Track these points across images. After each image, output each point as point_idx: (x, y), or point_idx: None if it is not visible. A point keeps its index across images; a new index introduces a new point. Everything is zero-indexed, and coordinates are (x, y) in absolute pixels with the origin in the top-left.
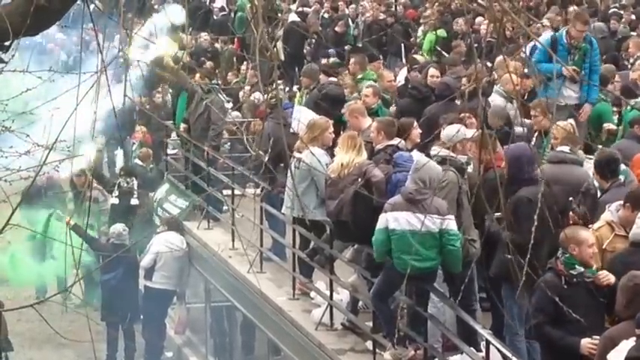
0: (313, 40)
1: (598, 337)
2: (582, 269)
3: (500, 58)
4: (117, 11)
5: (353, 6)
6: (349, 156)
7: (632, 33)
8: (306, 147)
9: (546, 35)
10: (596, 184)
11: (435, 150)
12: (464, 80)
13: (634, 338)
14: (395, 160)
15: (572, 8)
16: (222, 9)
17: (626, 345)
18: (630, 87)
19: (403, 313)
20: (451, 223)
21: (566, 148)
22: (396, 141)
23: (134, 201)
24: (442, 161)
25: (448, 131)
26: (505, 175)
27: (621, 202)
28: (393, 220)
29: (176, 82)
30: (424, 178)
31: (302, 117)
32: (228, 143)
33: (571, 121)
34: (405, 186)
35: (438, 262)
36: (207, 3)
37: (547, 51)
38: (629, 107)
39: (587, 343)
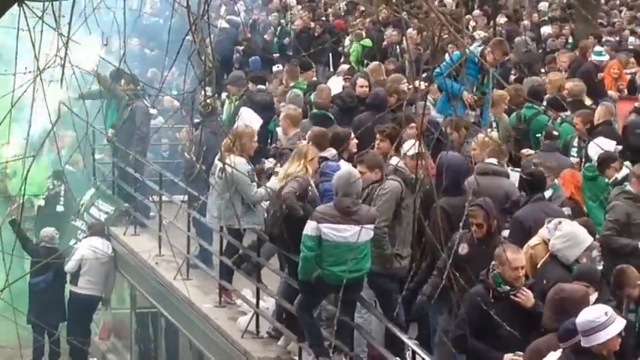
0: (241, 48)
1: (521, 352)
2: (507, 288)
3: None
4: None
5: (275, 14)
6: (294, 167)
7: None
8: (228, 156)
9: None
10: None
11: (394, 159)
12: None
13: (560, 350)
14: (322, 170)
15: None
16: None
17: (553, 357)
18: (558, 99)
19: (330, 323)
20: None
21: (494, 161)
22: (327, 152)
23: (60, 207)
24: (395, 171)
25: (406, 145)
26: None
27: (560, 219)
28: (328, 230)
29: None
30: (357, 190)
31: (245, 118)
32: (168, 151)
33: (494, 134)
34: (338, 197)
35: (366, 271)
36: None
37: (454, 66)
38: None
39: (509, 358)
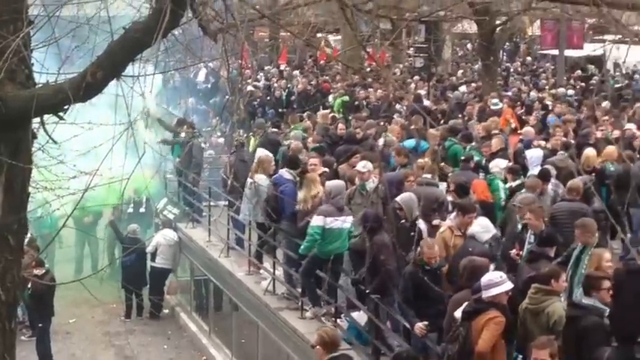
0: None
1: (426, 322)
2: (428, 267)
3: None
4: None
5: (284, 81)
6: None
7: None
8: (255, 174)
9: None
10: (449, 198)
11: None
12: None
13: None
14: (274, 181)
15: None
16: (205, 81)
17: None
18: (470, 134)
19: (323, 284)
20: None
21: (428, 176)
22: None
23: (142, 210)
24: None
25: (359, 164)
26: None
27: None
28: (331, 221)
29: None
30: (343, 195)
31: (260, 154)
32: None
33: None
34: (333, 199)
35: (347, 248)
36: (192, 76)
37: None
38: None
39: (418, 326)
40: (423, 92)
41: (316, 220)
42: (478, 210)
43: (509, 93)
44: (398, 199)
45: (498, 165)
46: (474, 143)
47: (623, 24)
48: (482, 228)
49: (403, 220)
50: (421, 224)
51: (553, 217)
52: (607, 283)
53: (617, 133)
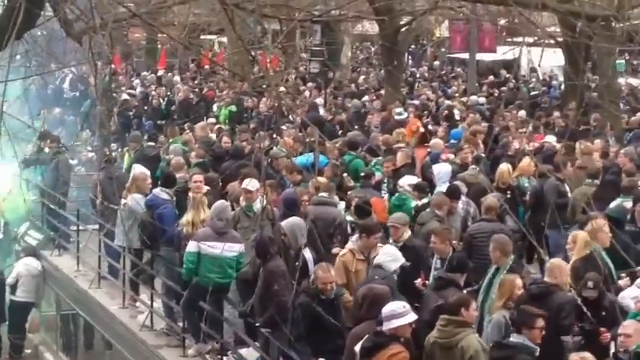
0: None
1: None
2: (324, 297)
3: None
4: None
5: (163, 88)
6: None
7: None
8: (129, 194)
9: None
10: (349, 218)
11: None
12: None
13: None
14: (149, 202)
15: None
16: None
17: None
18: (374, 147)
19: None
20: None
21: (325, 194)
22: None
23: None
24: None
25: (245, 182)
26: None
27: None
28: (206, 247)
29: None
30: (226, 216)
31: (135, 171)
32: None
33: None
34: (211, 221)
35: (233, 278)
36: (58, 83)
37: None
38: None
39: None
40: (319, 101)
41: (190, 246)
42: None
43: (416, 101)
44: (283, 223)
45: (408, 182)
46: (380, 158)
47: (536, 24)
48: (390, 256)
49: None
50: (307, 253)
51: (472, 238)
52: (541, 322)
53: (533, 145)
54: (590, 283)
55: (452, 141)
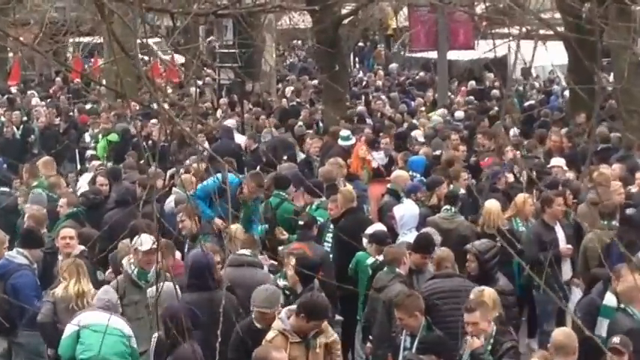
0: None
1: None
2: None
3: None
4: None
5: (17, 112)
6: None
7: None
8: None
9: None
10: (282, 283)
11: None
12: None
13: None
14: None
15: None
16: None
17: None
18: (320, 184)
19: None
20: None
21: (247, 252)
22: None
23: None
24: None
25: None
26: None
27: (290, 308)
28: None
29: None
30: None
31: None
32: None
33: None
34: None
35: None
36: None
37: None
38: None
39: None
40: (232, 123)
41: (68, 328)
42: None
43: (368, 120)
44: (187, 298)
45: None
46: (323, 198)
47: (529, 10)
48: None
49: None
50: None
51: (429, 302)
52: None
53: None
54: None
55: (411, 172)
